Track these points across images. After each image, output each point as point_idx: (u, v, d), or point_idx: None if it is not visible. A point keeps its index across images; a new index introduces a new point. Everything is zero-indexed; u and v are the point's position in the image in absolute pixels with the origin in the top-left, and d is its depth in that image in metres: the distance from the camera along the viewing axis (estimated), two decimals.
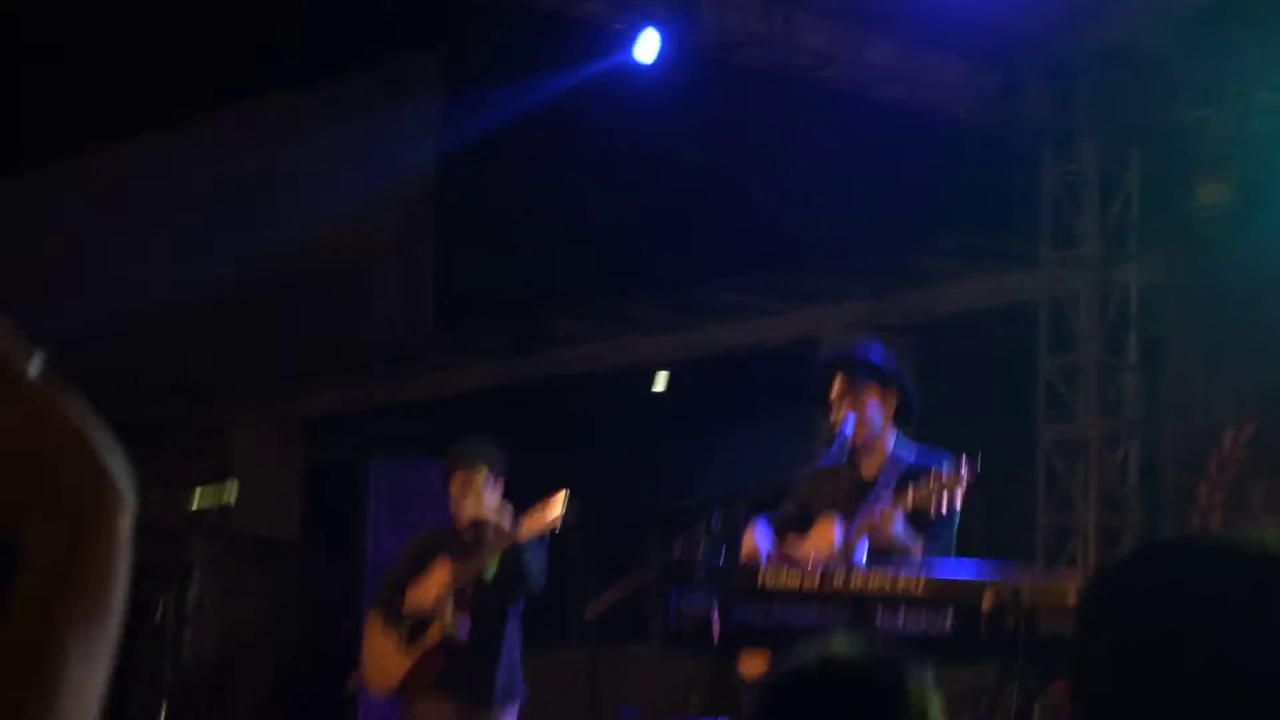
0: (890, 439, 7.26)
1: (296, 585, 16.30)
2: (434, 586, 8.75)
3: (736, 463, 13.42)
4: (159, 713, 10.59)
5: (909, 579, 6.37)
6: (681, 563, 7.72)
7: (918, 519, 6.97)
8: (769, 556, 7.15)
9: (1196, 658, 1.59)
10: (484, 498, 8.81)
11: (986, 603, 6.24)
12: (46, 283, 17.56)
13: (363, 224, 16.07)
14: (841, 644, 3.16)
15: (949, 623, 6.31)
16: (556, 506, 8.44)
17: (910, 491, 6.86)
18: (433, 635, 8.70)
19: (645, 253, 13.93)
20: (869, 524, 6.88)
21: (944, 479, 6.82)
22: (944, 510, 6.79)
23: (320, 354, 16.49)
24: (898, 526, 6.87)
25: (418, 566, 8.91)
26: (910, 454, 7.21)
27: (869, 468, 7.23)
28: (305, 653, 15.44)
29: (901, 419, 7.33)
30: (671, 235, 13.67)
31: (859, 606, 6.31)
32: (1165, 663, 1.61)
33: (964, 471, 6.83)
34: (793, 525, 7.34)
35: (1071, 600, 6.21)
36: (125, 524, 1.36)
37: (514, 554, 8.61)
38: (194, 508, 8.75)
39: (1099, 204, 11.32)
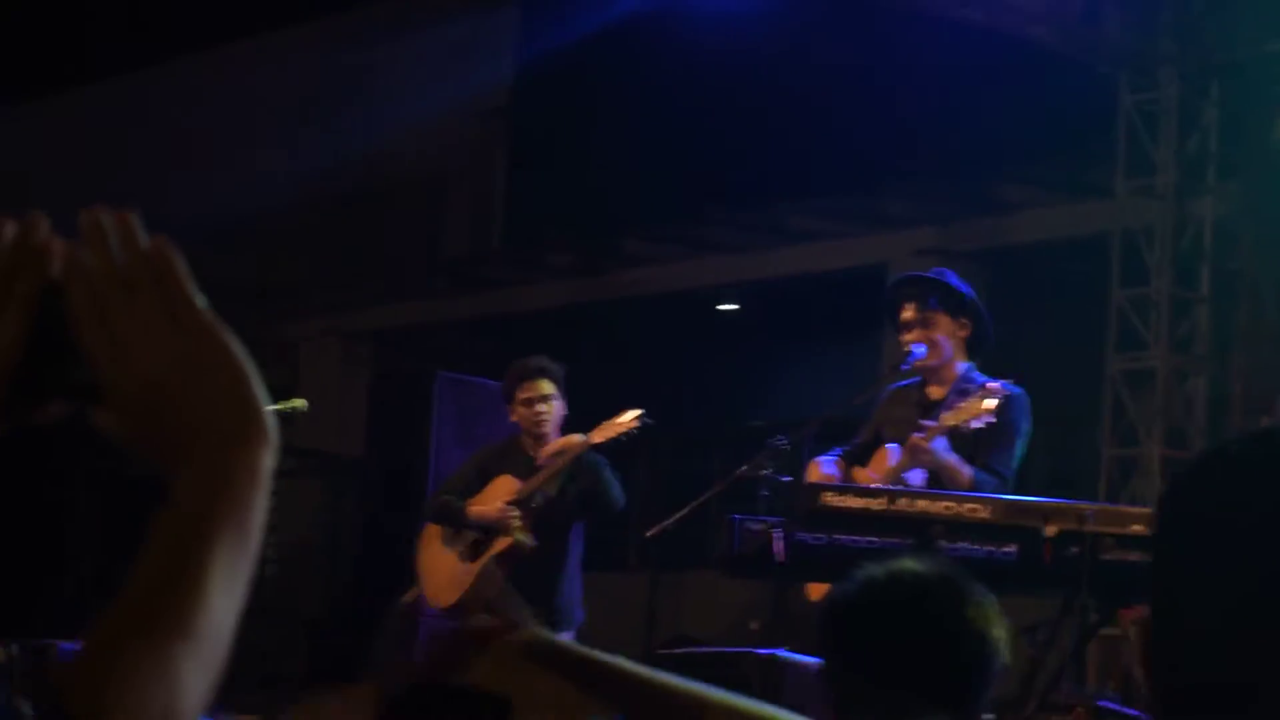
0: (960, 367, 7.20)
1: (360, 501, 16.38)
2: (498, 499, 8.66)
3: (803, 387, 13.41)
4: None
5: (974, 504, 6.34)
6: (745, 486, 7.72)
7: (977, 442, 6.92)
8: (827, 468, 7.12)
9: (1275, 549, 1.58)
10: (551, 410, 8.71)
11: (1051, 530, 6.21)
12: (126, 191, 17.58)
13: (436, 138, 16.05)
14: (905, 563, 3.14)
15: (1013, 550, 6.28)
16: (629, 418, 8.37)
17: (953, 411, 6.81)
18: (497, 549, 8.63)
19: (716, 174, 13.88)
20: (911, 444, 6.82)
21: (981, 395, 6.75)
22: (979, 424, 6.71)
23: (389, 267, 16.51)
24: (939, 444, 6.80)
25: (480, 481, 8.82)
26: (977, 380, 7.15)
27: (937, 393, 7.19)
28: (368, 569, 15.52)
29: (973, 348, 7.27)
30: (743, 157, 13.62)
31: (922, 531, 6.28)
32: (1247, 554, 1.59)
33: (996, 389, 6.75)
34: (863, 454, 7.30)
35: (1137, 529, 6.17)
36: (269, 460, 1.38)
37: (593, 470, 8.51)
38: None
39: (1176, 135, 11.20)
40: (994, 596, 3.17)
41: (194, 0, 16.86)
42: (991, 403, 6.70)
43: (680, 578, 12.08)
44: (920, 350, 7.14)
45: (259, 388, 1.40)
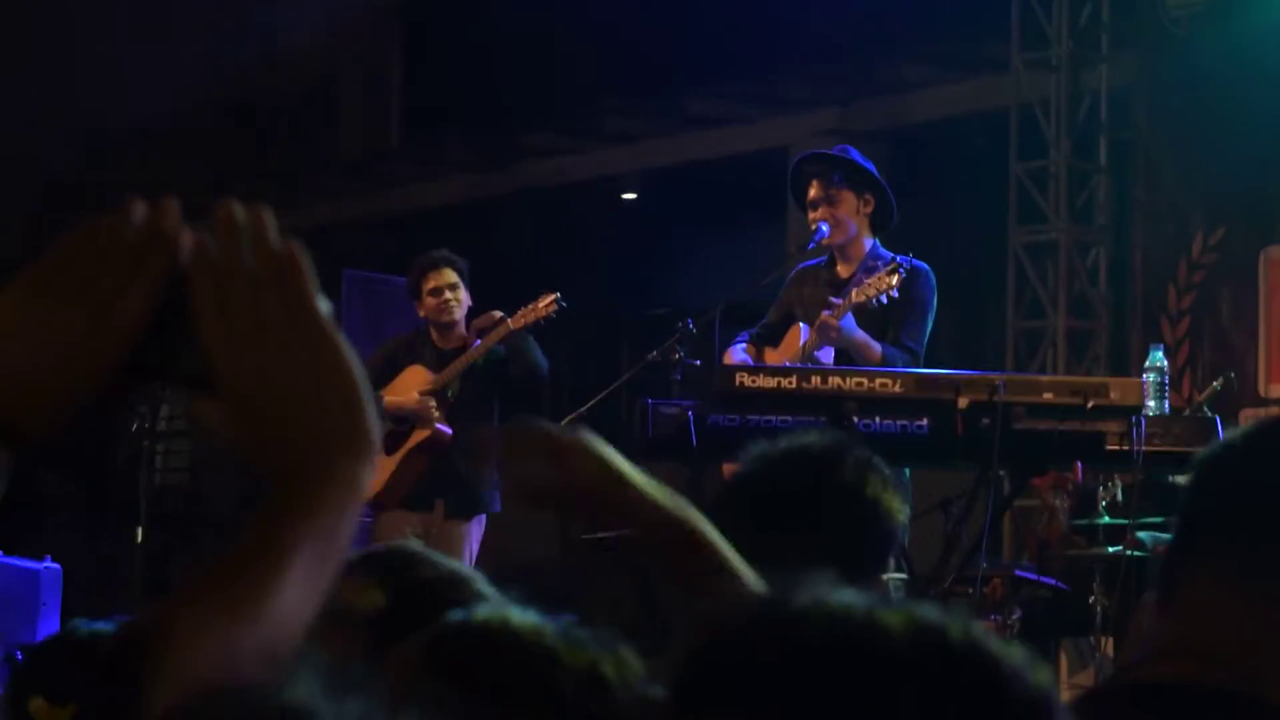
0: (867, 243, 7.24)
1: None
2: (411, 390, 8.65)
3: (709, 272, 13.43)
4: (134, 537, 10.60)
5: (885, 379, 6.38)
6: (656, 371, 7.74)
7: (887, 318, 6.96)
8: (739, 355, 7.15)
9: None
10: (458, 299, 8.72)
11: (962, 402, 6.27)
12: (15, 106, 17.39)
13: (330, 38, 15.91)
14: (805, 439, 3.17)
15: (925, 424, 6.34)
16: (546, 302, 8.38)
17: (860, 287, 6.85)
18: (415, 440, 8.63)
19: (613, 63, 13.83)
20: (820, 322, 6.85)
21: (888, 270, 6.79)
22: (882, 301, 6.75)
23: (288, 170, 16.39)
24: (847, 322, 6.84)
25: (390, 370, 8.81)
26: (884, 257, 7.19)
27: (845, 270, 7.22)
28: None
29: (878, 224, 7.30)
30: (640, 45, 13.57)
31: (835, 408, 6.32)
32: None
33: (900, 264, 6.80)
34: (772, 335, 7.33)
35: (1048, 397, 6.24)
36: (368, 473, 1.39)
37: (515, 342, 8.50)
38: None
39: (1069, 6, 11.24)
40: (896, 467, 3.20)
41: None
42: (896, 277, 6.74)
43: None
44: (824, 229, 7.17)
45: (370, 401, 1.41)
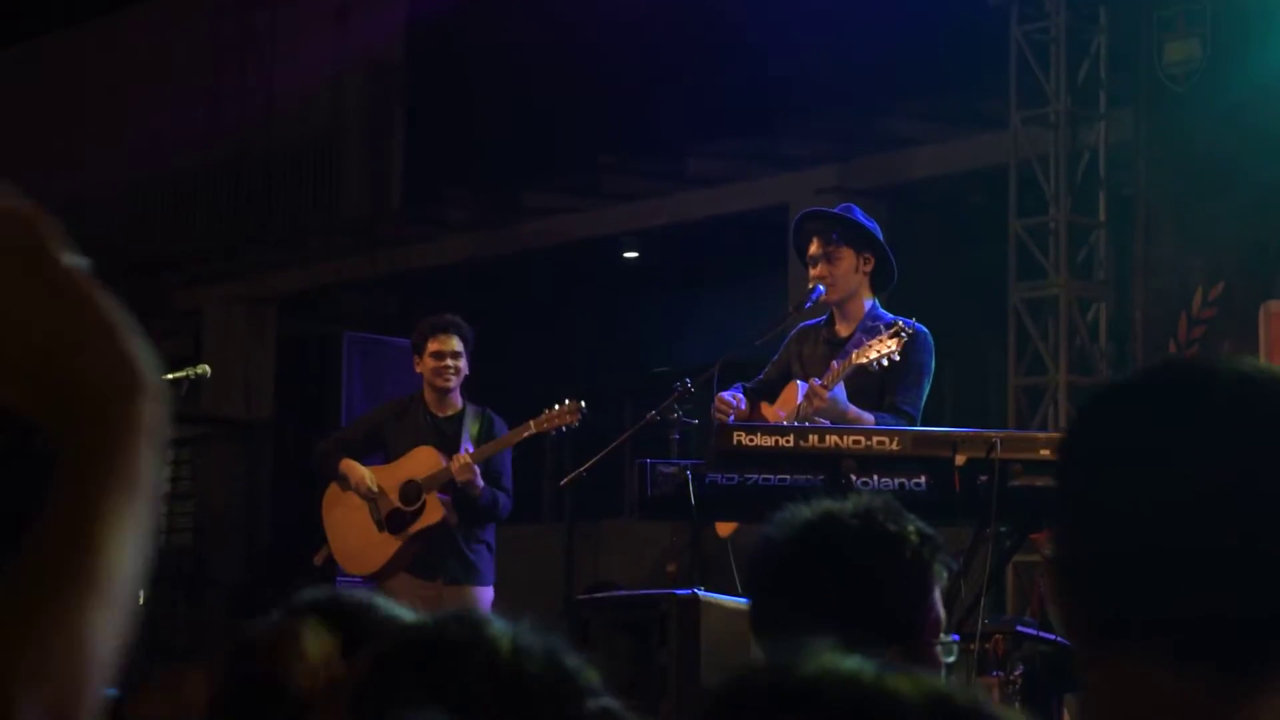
0: (867, 304, 7.25)
1: (274, 465, 16.32)
2: (420, 472, 8.71)
3: (709, 331, 13.45)
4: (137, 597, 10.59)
5: (883, 436, 6.39)
6: (655, 431, 7.75)
7: (885, 381, 6.97)
8: (735, 405, 7.15)
9: (1175, 473, 1.61)
10: (458, 367, 8.78)
11: (959, 459, 6.27)
12: (18, 160, 17.43)
13: (330, 99, 15.96)
14: (830, 504, 3.15)
15: (923, 481, 6.34)
16: (570, 410, 8.42)
17: (860, 349, 6.86)
18: (422, 524, 8.69)
19: (612, 122, 13.87)
20: (810, 390, 6.86)
21: (890, 332, 6.80)
22: (883, 364, 6.76)
23: (289, 230, 16.43)
24: (838, 393, 6.83)
25: (367, 441, 8.90)
26: (883, 319, 7.19)
27: (845, 330, 7.23)
28: (282, 531, 15.47)
29: (878, 284, 7.31)
30: (639, 103, 13.61)
31: (833, 466, 6.33)
32: (1154, 487, 1.62)
33: (903, 327, 6.80)
34: (769, 391, 7.34)
35: (1044, 454, 6.24)
36: (151, 408, 1.37)
37: (496, 467, 8.65)
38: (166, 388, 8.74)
39: (1066, 64, 11.28)
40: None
41: None
42: (897, 341, 6.75)
43: (596, 525, 12.14)
44: (820, 289, 7.19)
45: (133, 339, 1.39)
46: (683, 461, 6.67)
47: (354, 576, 8.79)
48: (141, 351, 1.39)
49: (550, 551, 11.77)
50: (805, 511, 3.11)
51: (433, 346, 8.75)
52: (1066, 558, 1.67)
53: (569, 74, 13.96)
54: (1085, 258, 11.41)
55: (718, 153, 13.57)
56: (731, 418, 6.97)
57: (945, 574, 3.12)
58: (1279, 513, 1.59)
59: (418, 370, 8.85)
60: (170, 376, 8.99)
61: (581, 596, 7.87)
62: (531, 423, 8.45)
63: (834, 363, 6.92)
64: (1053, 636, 8.28)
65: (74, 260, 1.39)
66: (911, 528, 3.10)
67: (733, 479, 6.38)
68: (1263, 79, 10.08)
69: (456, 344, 8.75)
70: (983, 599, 6.70)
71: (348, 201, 16.24)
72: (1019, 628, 8.27)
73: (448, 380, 8.76)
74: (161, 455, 1.38)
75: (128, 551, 1.34)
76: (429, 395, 8.84)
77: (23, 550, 1.32)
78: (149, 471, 1.36)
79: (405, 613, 2.34)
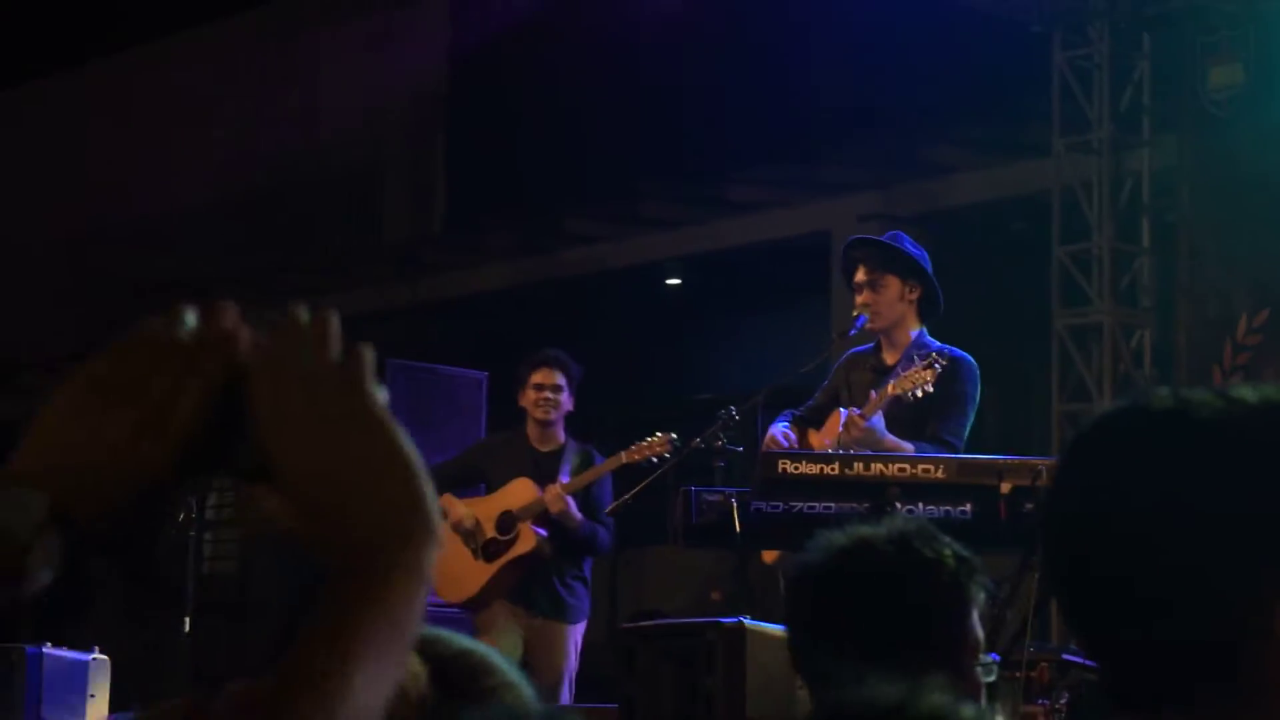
0: (913, 332, 7.21)
1: None
2: (516, 503, 8.77)
3: (751, 358, 13.44)
4: (181, 626, 10.62)
5: (928, 464, 6.38)
6: (699, 458, 7.75)
7: (929, 410, 6.94)
8: (788, 447, 7.13)
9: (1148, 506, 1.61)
10: (559, 401, 8.87)
11: (1005, 487, 6.25)
12: (56, 188, 17.53)
13: (373, 126, 16.01)
14: (866, 529, 3.15)
15: (968, 509, 6.32)
16: (661, 441, 8.44)
17: (897, 380, 6.84)
18: (517, 552, 8.74)
19: (655, 148, 13.88)
20: (848, 420, 6.85)
21: (924, 364, 6.78)
22: (918, 395, 6.74)
23: (333, 258, 16.47)
24: (876, 422, 6.81)
25: (463, 475, 8.96)
26: (930, 346, 7.17)
27: (891, 358, 7.21)
28: None
29: (924, 312, 7.28)
30: (681, 129, 13.62)
31: (878, 494, 6.32)
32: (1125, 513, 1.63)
33: (936, 358, 6.78)
34: (817, 418, 7.32)
35: None
36: (431, 557, 1.41)
37: (594, 500, 8.70)
38: None
39: (1109, 89, 11.26)
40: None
41: None
42: (931, 372, 6.72)
43: (641, 553, 12.12)
44: (862, 319, 7.18)
45: (428, 487, 1.43)
46: (727, 489, 6.67)
47: (450, 604, 8.83)
48: (430, 495, 1.43)
49: (595, 580, 11.76)
50: (839, 538, 3.11)
51: (535, 379, 8.86)
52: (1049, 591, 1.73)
53: (609, 101, 13.99)
54: (1129, 284, 11.38)
55: (758, 179, 13.57)
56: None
57: (982, 595, 3.12)
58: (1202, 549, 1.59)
59: (521, 404, 8.96)
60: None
61: (627, 625, 7.87)
62: (623, 454, 8.47)
63: (872, 392, 6.90)
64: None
65: (382, 396, 1.44)
66: (947, 551, 3.10)
67: (777, 507, 6.38)
68: None
69: (559, 378, 8.85)
70: (1028, 626, 6.67)
71: (390, 228, 16.29)
72: (1065, 655, 8.24)
73: (548, 413, 8.84)
74: (426, 594, 1.41)
75: (375, 690, 1.37)
76: (531, 430, 8.95)
77: (279, 671, 1.38)
78: (414, 617, 1.40)
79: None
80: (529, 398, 8.88)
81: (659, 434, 8.53)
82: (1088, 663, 8.12)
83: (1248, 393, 1.65)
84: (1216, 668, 1.58)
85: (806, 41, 12.78)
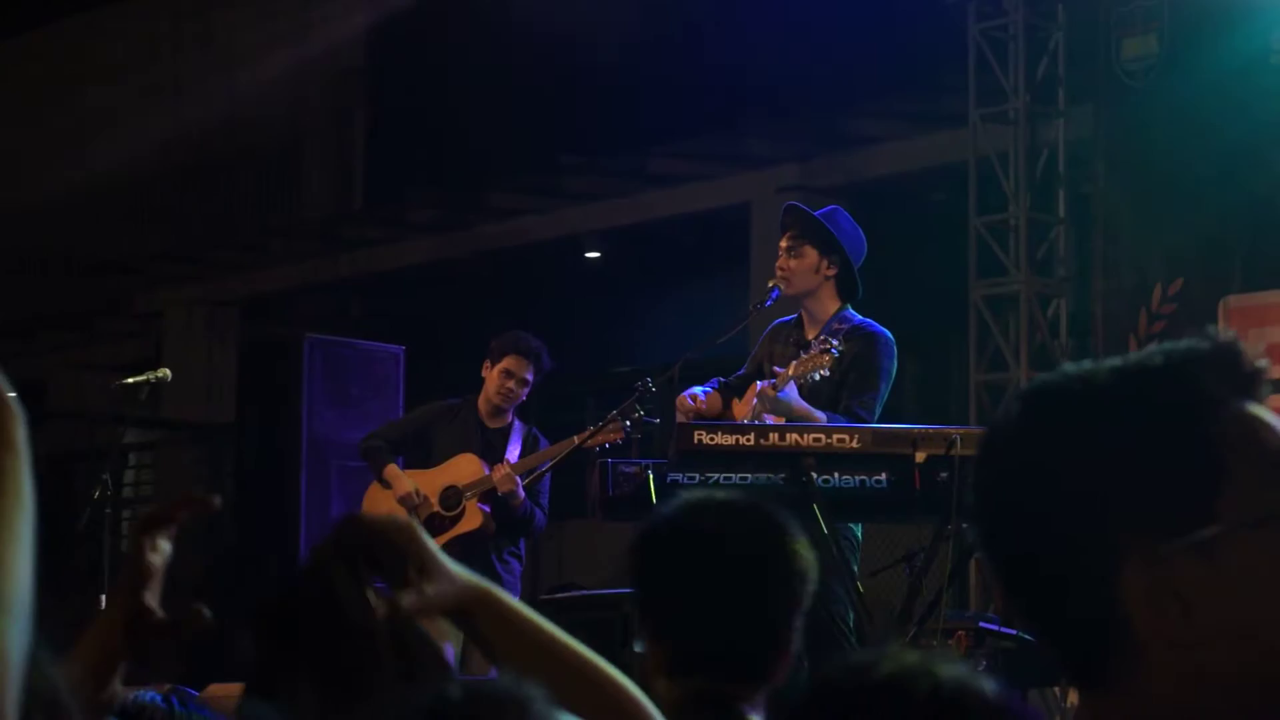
0: (833, 307, 7.18)
1: (233, 467, 16.27)
2: (466, 474, 8.71)
3: (673, 330, 13.45)
4: (98, 604, 10.55)
5: (843, 434, 6.40)
6: (615, 432, 7.74)
7: (842, 383, 6.94)
8: (693, 405, 7.10)
9: None
10: (520, 395, 8.81)
11: (920, 456, 6.28)
12: None
13: (292, 101, 15.94)
14: (708, 494, 3.18)
15: (884, 478, 6.35)
16: (615, 432, 8.37)
17: (797, 361, 6.83)
18: (461, 529, 8.70)
19: (574, 122, 13.88)
20: (759, 391, 6.85)
21: (820, 349, 6.76)
22: (815, 379, 6.73)
23: (252, 233, 16.40)
24: (788, 393, 6.80)
25: (418, 440, 8.89)
26: (850, 321, 7.15)
27: (812, 332, 7.18)
28: (244, 534, 15.42)
29: (843, 290, 7.24)
30: (600, 103, 13.62)
31: (794, 464, 6.34)
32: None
33: (833, 344, 6.76)
34: (741, 388, 7.30)
35: None
36: (15, 423, 1.47)
37: (535, 485, 8.64)
38: (127, 392, 8.74)
39: (1025, 60, 11.31)
40: (854, 522, 3.21)
41: None
42: (828, 357, 6.70)
43: (559, 526, 12.11)
44: (776, 291, 7.17)
45: None
46: (644, 461, 6.68)
47: None
48: (3, 383, 1.50)
49: None
50: (678, 500, 3.16)
51: (507, 364, 8.75)
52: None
53: (530, 75, 13.97)
54: (1045, 254, 11.45)
55: (679, 152, 13.59)
56: (692, 418, 6.95)
57: (811, 559, 3.15)
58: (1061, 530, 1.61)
59: (483, 375, 8.84)
60: (131, 380, 8.95)
61: (544, 597, 7.88)
62: (575, 438, 8.41)
63: (777, 369, 6.89)
64: (1015, 632, 8.31)
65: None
66: (775, 515, 3.13)
67: (693, 478, 6.39)
68: (1219, 74, 10.11)
69: (529, 372, 8.77)
70: (944, 595, 6.71)
71: (310, 204, 16.23)
72: (981, 624, 8.30)
73: (507, 401, 8.78)
74: (29, 466, 1.47)
75: (21, 564, 1.42)
76: (484, 406, 8.85)
77: None
78: (24, 483, 1.45)
79: None
80: (494, 378, 8.77)
81: (615, 422, 8.42)
82: (1004, 630, 8.18)
83: (1117, 361, 1.67)
84: (1114, 641, 1.59)
85: (726, 15, 12.79)
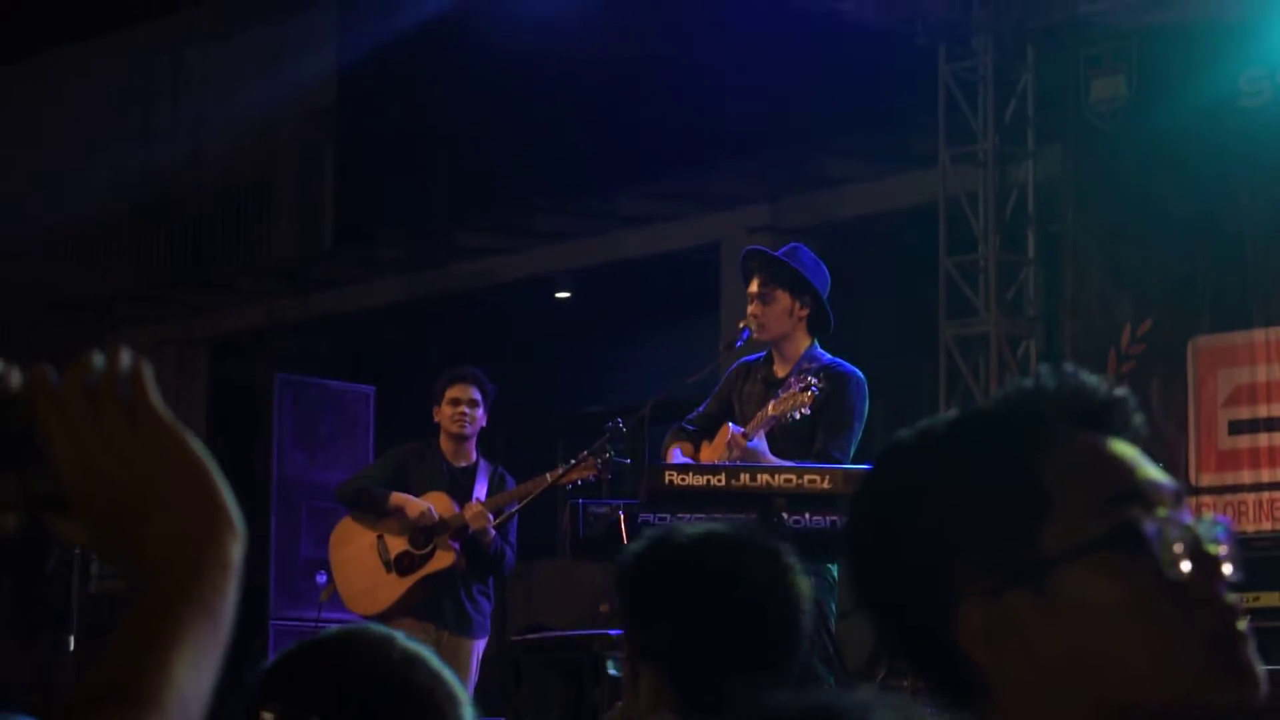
0: (803, 344, 7.17)
1: None
2: (432, 515, 8.70)
3: (641, 369, 13.46)
4: (67, 646, 10.50)
5: (814, 475, 6.39)
6: (588, 469, 7.73)
7: (816, 424, 6.93)
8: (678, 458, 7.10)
9: None
10: (474, 417, 8.82)
11: None
12: None
13: (262, 140, 15.93)
14: (693, 527, 3.18)
15: None
16: (588, 469, 8.34)
17: (775, 400, 6.82)
18: (433, 567, 8.69)
19: (544, 162, 13.89)
20: (731, 439, 6.84)
21: (800, 387, 6.75)
22: (795, 417, 6.72)
23: (221, 272, 16.38)
24: (758, 444, 6.80)
25: (397, 479, 8.88)
26: (820, 360, 7.14)
27: (781, 371, 7.16)
28: None
29: (817, 326, 7.23)
30: (570, 144, 13.64)
31: (765, 505, 6.33)
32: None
33: (813, 382, 6.75)
34: (710, 426, 7.28)
35: None
36: (237, 549, 1.47)
37: (504, 524, 8.63)
38: None
39: (994, 101, 11.35)
40: (826, 563, 3.21)
41: (4, 8, 16.61)
42: (809, 395, 6.69)
43: (528, 566, 12.09)
44: (747, 332, 7.16)
45: (221, 483, 1.48)
46: (615, 501, 6.66)
47: (356, 616, 8.76)
48: (226, 491, 1.48)
49: None
50: (661, 531, 3.17)
51: (451, 394, 8.81)
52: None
53: (500, 115, 13.98)
54: (1015, 295, 11.47)
55: (650, 192, 13.60)
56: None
57: (808, 586, 3.16)
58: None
59: (436, 419, 8.89)
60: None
61: (515, 638, 7.85)
62: (548, 475, 8.38)
63: (759, 413, 6.88)
64: None
65: (162, 405, 1.50)
66: (766, 543, 3.14)
67: (664, 519, 6.38)
68: (1188, 116, 10.16)
69: (474, 393, 8.81)
70: None
71: (279, 243, 16.21)
72: None
73: (463, 427, 8.79)
74: (236, 591, 1.47)
75: (196, 679, 1.42)
76: (445, 444, 8.89)
77: (99, 667, 1.41)
78: (228, 607, 1.46)
79: None
80: (444, 413, 8.83)
81: (589, 458, 8.38)
82: None
83: (957, 411, 1.75)
84: (963, 681, 1.61)
85: (696, 58, 12.83)
